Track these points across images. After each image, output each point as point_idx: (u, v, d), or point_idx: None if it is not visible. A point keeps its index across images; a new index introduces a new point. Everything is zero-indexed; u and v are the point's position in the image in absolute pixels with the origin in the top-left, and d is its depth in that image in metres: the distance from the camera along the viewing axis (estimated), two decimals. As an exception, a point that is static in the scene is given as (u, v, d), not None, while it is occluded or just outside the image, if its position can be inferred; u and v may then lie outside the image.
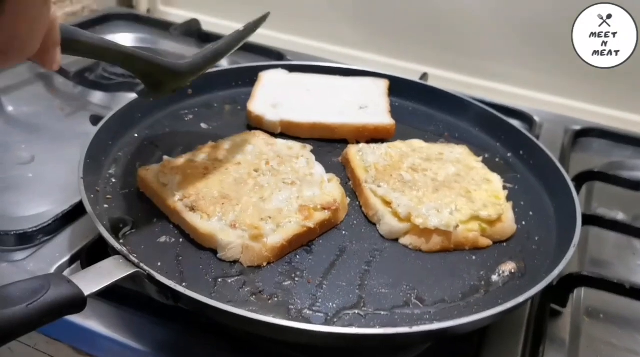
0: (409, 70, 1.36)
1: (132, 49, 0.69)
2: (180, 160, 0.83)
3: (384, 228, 0.79)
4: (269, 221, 0.73)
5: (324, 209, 0.77)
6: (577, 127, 1.21)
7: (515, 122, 1.08)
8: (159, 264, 0.70)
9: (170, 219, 0.77)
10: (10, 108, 1.13)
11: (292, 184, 0.80)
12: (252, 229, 0.71)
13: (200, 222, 0.72)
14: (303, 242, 0.75)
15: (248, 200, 0.76)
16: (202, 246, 0.73)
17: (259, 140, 0.90)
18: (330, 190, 0.81)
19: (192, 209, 0.74)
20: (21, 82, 1.20)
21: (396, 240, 0.78)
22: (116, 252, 0.65)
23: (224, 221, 0.73)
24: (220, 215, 0.73)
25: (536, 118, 1.20)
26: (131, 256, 0.64)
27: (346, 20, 1.45)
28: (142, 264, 0.63)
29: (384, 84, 1.10)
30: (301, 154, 0.87)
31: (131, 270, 0.63)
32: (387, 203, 0.80)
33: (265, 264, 0.71)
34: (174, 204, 0.75)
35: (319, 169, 0.85)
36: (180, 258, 0.71)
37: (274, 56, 1.33)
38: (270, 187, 0.79)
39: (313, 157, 0.88)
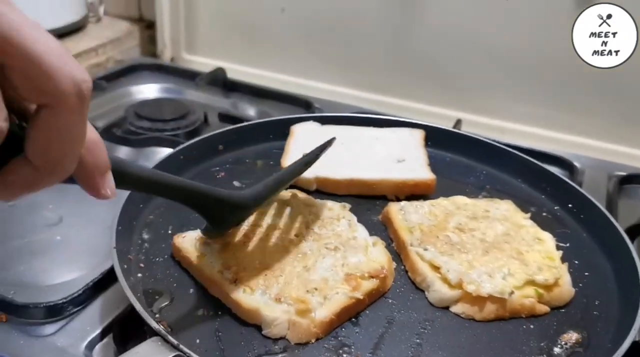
0: (442, 115, 1.34)
1: (190, 183, 0.65)
2: None
3: (433, 296, 0.74)
4: (316, 293, 0.69)
5: (372, 277, 0.73)
6: (622, 173, 1.16)
7: (554, 169, 1.05)
8: (198, 341, 0.66)
9: (209, 291, 0.73)
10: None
11: (335, 250, 0.76)
12: (299, 303, 0.67)
13: (243, 297, 0.68)
14: (351, 314, 0.71)
15: (291, 270, 0.72)
16: (242, 320, 0.69)
17: (297, 201, 0.86)
18: (376, 255, 0.77)
19: (234, 281, 0.70)
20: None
21: (447, 308, 0.74)
22: (153, 332, 0.61)
23: (267, 294, 0.69)
24: (264, 288, 0.69)
25: (577, 164, 1.16)
26: (170, 337, 0.60)
27: (372, 65, 1.44)
28: (181, 346, 0.60)
29: (419, 135, 1.07)
30: (342, 216, 0.83)
31: (170, 354, 0.59)
32: (436, 268, 0.76)
33: (313, 340, 0.67)
34: (213, 277, 0.72)
35: (362, 231, 0.81)
36: (220, 334, 0.68)
37: (302, 104, 1.32)
38: (314, 254, 0.75)
39: (355, 219, 0.84)
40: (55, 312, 0.74)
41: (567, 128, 1.32)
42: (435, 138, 1.09)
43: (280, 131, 1.07)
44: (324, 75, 1.47)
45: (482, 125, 1.32)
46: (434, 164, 1.01)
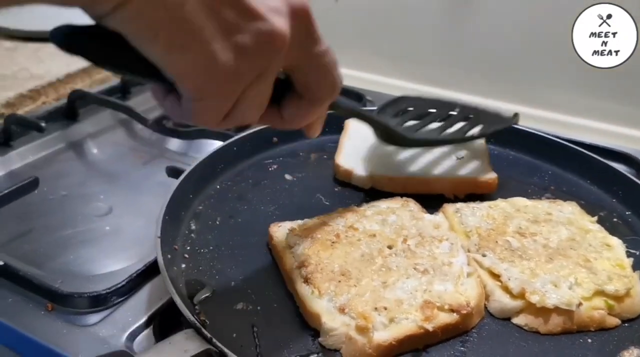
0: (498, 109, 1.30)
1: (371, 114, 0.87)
2: (315, 220, 0.81)
3: (494, 306, 0.73)
4: (383, 312, 0.67)
5: (452, 311, 0.68)
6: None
7: (619, 167, 1.00)
8: (234, 335, 0.68)
9: (287, 285, 0.75)
10: (90, 156, 1.18)
11: (423, 273, 0.72)
12: (361, 318, 0.65)
13: (309, 298, 0.69)
14: (418, 345, 0.67)
15: (368, 282, 0.71)
16: (282, 316, 0.71)
17: (405, 212, 0.84)
18: (467, 288, 0.71)
19: (306, 280, 0.71)
20: (102, 129, 1.25)
21: (508, 319, 0.72)
22: (189, 325, 0.64)
23: (334, 301, 0.68)
24: (333, 294, 0.69)
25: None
26: (204, 330, 0.63)
27: (425, 57, 1.42)
28: (214, 340, 0.62)
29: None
30: (446, 237, 0.79)
31: (203, 347, 0.61)
32: (495, 276, 0.74)
33: None
34: (291, 271, 0.73)
35: (461, 258, 0.76)
36: (257, 329, 0.69)
37: (353, 97, 1.32)
38: (399, 271, 0.73)
39: (459, 244, 0.79)
40: (99, 302, 0.78)
41: (632, 122, 1.25)
42: (497, 135, 1.07)
43: (335, 124, 1.08)
44: (376, 67, 1.47)
45: (540, 118, 1.27)
46: (495, 161, 0.99)
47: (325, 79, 0.59)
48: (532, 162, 1.04)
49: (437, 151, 1.00)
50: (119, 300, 0.79)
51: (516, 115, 0.98)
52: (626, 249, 0.80)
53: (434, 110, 0.95)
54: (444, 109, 0.96)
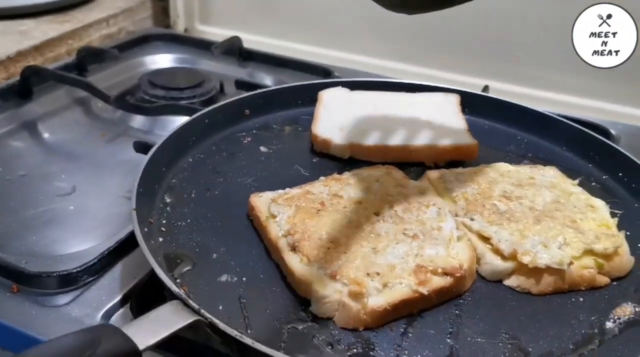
0: (468, 84, 1.29)
1: None
2: (297, 190, 0.79)
3: (485, 268, 0.72)
4: (376, 278, 0.65)
5: (445, 274, 0.67)
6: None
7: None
8: (221, 307, 0.65)
9: (271, 255, 0.73)
10: (48, 136, 1.12)
11: (413, 238, 0.71)
12: (354, 284, 0.64)
13: (298, 266, 0.67)
14: (412, 309, 0.66)
15: (358, 249, 0.69)
16: (269, 286, 0.69)
17: (389, 179, 0.83)
18: (458, 251, 0.71)
19: (294, 248, 0.68)
20: (59, 108, 1.19)
21: (499, 281, 0.72)
22: (173, 296, 0.60)
23: (324, 268, 0.66)
24: (323, 261, 0.67)
25: (612, 131, 1.12)
26: (191, 301, 0.59)
27: (393, 33, 1.41)
28: (202, 310, 0.59)
29: (455, 100, 1.05)
30: (433, 203, 0.78)
31: (191, 318, 0.58)
32: (485, 239, 0.73)
33: (361, 329, 0.64)
34: (276, 240, 0.71)
35: (450, 223, 0.75)
36: (244, 300, 0.67)
37: (320, 73, 1.30)
38: (388, 237, 0.71)
39: (446, 208, 0.78)
40: (69, 281, 0.74)
41: (601, 95, 1.27)
42: (472, 105, 1.07)
43: (308, 97, 1.06)
44: (344, 44, 1.45)
45: (510, 93, 1.27)
46: (471, 131, 0.98)
47: None
48: (508, 131, 1.05)
49: (414, 119, 0.99)
50: (91, 279, 0.75)
51: None
52: (609, 209, 0.81)
53: None
54: None
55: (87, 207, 0.92)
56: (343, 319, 0.64)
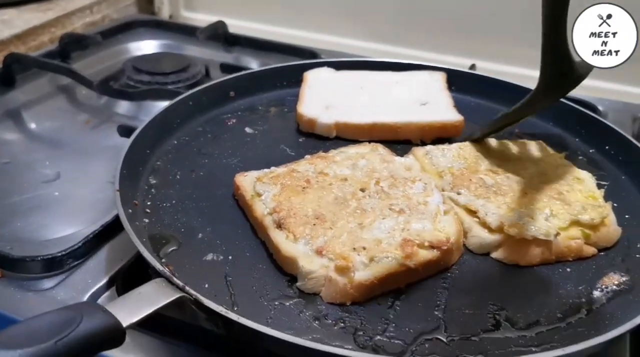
0: (454, 64, 1.29)
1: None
2: (283, 169, 0.79)
3: (473, 241, 0.72)
4: (362, 252, 0.65)
5: (432, 247, 0.67)
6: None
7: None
8: (206, 285, 0.65)
9: (257, 234, 0.72)
10: (32, 124, 1.11)
11: (399, 213, 0.71)
12: (340, 259, 0.63)
13: (284, 243, 0.66)
14: (399, 283, 0.66)
15: (344, 224, 0.69)
16: (255, 264, 0.68)
17: (374, 156, 0.82)
18: (445, 225, 0.71)
19: (279, 226, 0.68)
20: (42, 96, 1.18)
21: (487, 254, 0.72)
22: (158, 274, 0.60)
23: (310, 245, 0.66)
24: (309, 238, 0.66)
25: (600, 107, 1.13)
26: (175, 278, 0.59)
27: (378, 15, 1.40)
28: (187, 287, 0.58)
29: (441, 78, 1.04)
30: (419, 178, 0.78)
31: (176, 295, 0.58)
32: (472, 212, 0.73)
33: (348, 303, 0.64)
34: (262, 218, 0.70)
35: (436, 198, 0.75)
36: (230, 278, 0.66)
37: (307, 56, 1.29)
38: (374, 212, 0.71)
39: (433, 183, 0.78)
40: (54, 265, 0.73)
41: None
42: (458, 82, 1.07)
43: (293, 78, 1.06)
44: (329, 26, 1.44)
45: (496, 72, 1.27)
46: (458, 108, 0.98)
47: None
48: (495, 108, 1.04)
49: (400, 98, 0.98)
50: (76, 263, 0.75)
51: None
52: (596, 181, 0.81)
53: None
54: None
55: (72, 193, 0.91)
56: (330, 294, 0.64)
